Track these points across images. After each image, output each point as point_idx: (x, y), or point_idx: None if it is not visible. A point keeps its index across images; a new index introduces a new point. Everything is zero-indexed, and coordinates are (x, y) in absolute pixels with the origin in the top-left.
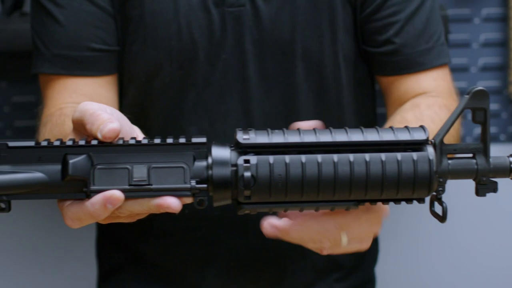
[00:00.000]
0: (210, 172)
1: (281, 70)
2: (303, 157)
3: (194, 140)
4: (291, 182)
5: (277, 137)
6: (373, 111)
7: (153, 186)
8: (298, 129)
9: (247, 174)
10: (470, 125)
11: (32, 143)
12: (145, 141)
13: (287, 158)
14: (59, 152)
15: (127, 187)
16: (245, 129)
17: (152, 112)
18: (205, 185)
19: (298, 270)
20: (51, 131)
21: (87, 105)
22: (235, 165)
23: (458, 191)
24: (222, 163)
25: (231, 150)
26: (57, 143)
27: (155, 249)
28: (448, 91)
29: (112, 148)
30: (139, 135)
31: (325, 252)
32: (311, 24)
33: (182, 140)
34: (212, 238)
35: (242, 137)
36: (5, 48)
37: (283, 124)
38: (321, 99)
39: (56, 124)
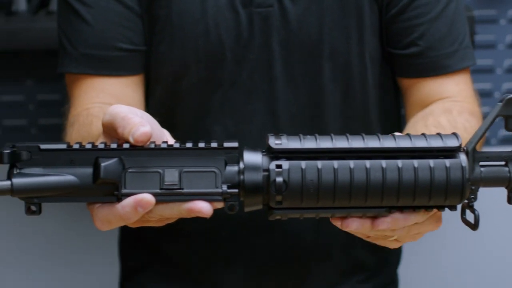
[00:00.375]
0: (241, 177)
1: (308, 71)
2: (335, 163)
3: (226, 144)
4: (323, 188)
5: (309, 143)
6: (398, 112)
7: (184, 190)
8: (330, 135)
9: (279, 179)
10: (494, 127)
11: (64, 146)
12: (177, 145)
13: (319, 163)
14: (90, 155)
15: (158, 191)
16: (277, 134)
17: (178, 112)
18: (236, 190)
19: (322, 271)
20: (78, 131)
21: (118, 108)
22: (267, 170)
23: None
24: (253, 168)
25: (263, 155)
26: (89, 146)
27: (178, 249)
28: (471, 95)
29: (143, 152)
30: (170, 139)
31: (380, 243)
32: (338, 24)
33: (214, 144)
34: (236, 239)
35: (274, 142)
36: (31, 47)
37: (309, 124)
38: (347, 100)
39: (83, 124)
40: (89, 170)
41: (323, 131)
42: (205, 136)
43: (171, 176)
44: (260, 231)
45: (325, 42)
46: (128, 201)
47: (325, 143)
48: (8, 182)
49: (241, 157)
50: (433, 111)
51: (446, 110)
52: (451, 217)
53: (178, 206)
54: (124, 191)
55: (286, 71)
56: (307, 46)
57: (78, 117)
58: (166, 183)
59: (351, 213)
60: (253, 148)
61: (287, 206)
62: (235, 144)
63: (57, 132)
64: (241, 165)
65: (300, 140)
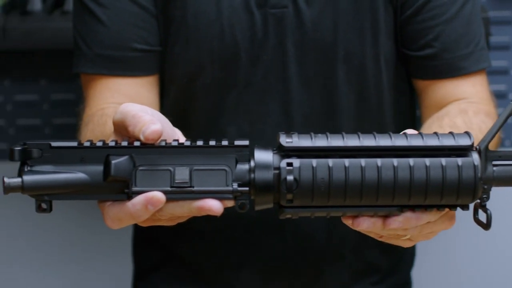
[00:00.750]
0: (252, 175)
1: (322, 73)
2: (347, 161)
3: (237, 142)
4: (334, 186)
5: (320, 141)
6: (413, 113)
7: (195, 188)
8: (342, 133)
9: (290, 177)
10: (509, 129)
11: (74, 144)
12: (188, 143)
13: (330, 162)
14: (101, 153)
15: (168, 188)
16: (288, 133)
17: (192, 112)
18: (247, 188)
19: (334, 272)
20: (93, 131)
21: (129, 106)
22: (278, 168)
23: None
24: (264, 166)
25: (274, 153)
26: (99, 144)
27: (191, 249)
28: (487, 97)
29: (154, 150)
30: (181, 138)
31: (393, 242)
32: (353, 26)
33: (224, 142)
34: (248, 239)
35: (285, 140)
36: (45, 46)
37: (323, 126)
38: (361, 102)
39: (98, 124)
40: (99, 168)
41: (337, 133)
42: (219, 137)
43: (181, 174)
44: (271, 231)
45: (340, 44)
46: (138, 199)
47: (336, 141)
48: (19, 179)
49: (252, 155)
50: (448, 112)
51: (462, 111)
52: (463, 217)
53: (189, 204)
54: (134, 189)
55: (300, 72)
56: (321, 48)
57: (93, 117)
58: (176, 181)
59: (362, 212)
60: (264, 146)
61: (298, 205)
62: (246, 142)
63: (71, 131)
64: (252, 163)
65: (311, 138)
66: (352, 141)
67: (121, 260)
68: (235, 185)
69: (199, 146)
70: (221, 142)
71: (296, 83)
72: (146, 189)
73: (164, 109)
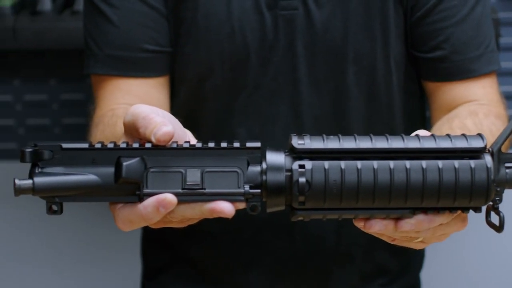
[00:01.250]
0: (264, 177)
1: (332, 74)
2: (359, 163)
3: (249, 144)
4: (347, 188)
5: (332, 143)
6: (423, 115)
7: (207, 190)
8: (354, 135)
9: (302, 179)
10: None
11: (86, 145)
12: (199, 145)
13: (343, 164)
14: (112, 155)
15: (180, 190)
16: (300, 135)
17: (202, 113)
18: (258, 190)
19: (344, 274)
20: (103, 131)
21: (139, 108)
22: (290, 170)
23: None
24: (276, 168)
25: (286, 155)
26: (111, 145)
27: (200, 250)
28: (497, 99)
29: (165, 152)
30: (192, 139)
31: (405, 244)
32: (363, 28)
33: (236, 144)
34: (258, 240)
35: (297, 142)
36: (55, 46)
37: (333, 127)
38: (371, 103)
39: (108, 125)
40: (111, 170)
41: (347, 134)
42: (229, 138)
43: (193, 176)
44: (281, 233)
45: (350, 45)
46: (150, 201)
47: (348, 143)
48: (30, 181)
49: (263, 157)
50: (458, 114)
51: (472, 112)
52: (473, 219)
53: (200, 206)
54: (146, 190)
55: (310, 73)
56: (331, 49)
57: (103, 118)
58: (188, 183)
59: (375, 214)
60: (276, 148)
61: (310, 207)
62: (258, 144)
63: (81, 131)
64: (264, 165)
65: (323, 140)
66: (364, 143)
67: (130, 260)
68: (246, 187)
69: (211, 148)
70: (232, 144)
71: (306, 85)
72: (157, 191)
73: (173, 110)
